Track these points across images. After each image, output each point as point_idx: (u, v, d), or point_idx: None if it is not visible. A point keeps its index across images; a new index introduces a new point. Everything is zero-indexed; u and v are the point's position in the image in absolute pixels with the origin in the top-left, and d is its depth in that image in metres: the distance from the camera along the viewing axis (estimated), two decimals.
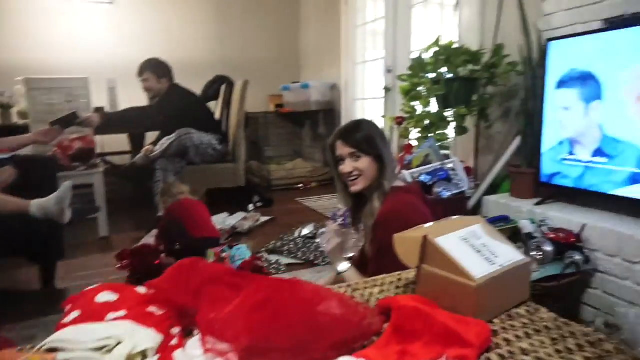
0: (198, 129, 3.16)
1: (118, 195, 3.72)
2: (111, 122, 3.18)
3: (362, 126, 1.47)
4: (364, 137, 1.43)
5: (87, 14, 4.26)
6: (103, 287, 0.80)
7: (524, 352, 0.67)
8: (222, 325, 0.72)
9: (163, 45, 4.41)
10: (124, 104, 3.85)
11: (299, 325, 0.72)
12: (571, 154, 1.78)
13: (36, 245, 1.98)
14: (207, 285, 0.82)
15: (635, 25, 1.57)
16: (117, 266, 2.24)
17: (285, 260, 2.34)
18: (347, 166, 1.45)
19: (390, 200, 1.41)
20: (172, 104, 3.16)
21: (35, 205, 1.89)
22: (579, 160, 1.75)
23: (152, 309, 0.76)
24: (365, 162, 1.43)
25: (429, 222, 1.27)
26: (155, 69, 3.21)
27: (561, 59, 1.81)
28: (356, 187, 1.45)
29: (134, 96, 4.08)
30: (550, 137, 1.87)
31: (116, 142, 4.14)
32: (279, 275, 2.16)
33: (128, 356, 0.63)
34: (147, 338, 0.67)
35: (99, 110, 3.56)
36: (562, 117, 1.81)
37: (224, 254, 2.18)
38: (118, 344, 0.65)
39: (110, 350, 0.64)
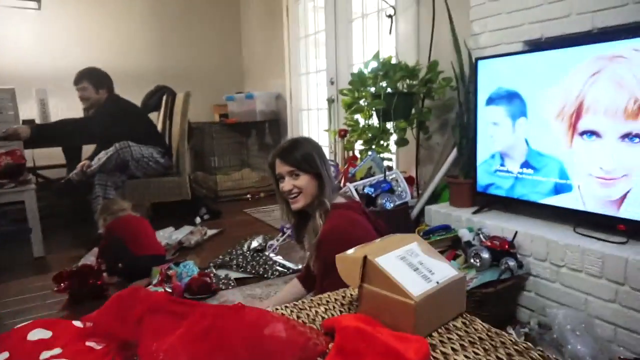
0: (138, 142, 3.06)
1: (53, 211, 3.52)
2: (42, 134, 3.02)
3: (300, 145, 1.49)
4: (302, 155, 1.46)
5: (11, 19, 4.02)
6: (35, 323, 0.76)
7: None
8: (165, 356, 0.71)
9: (97, 54, 4.24)
10: (55, 116, 3.67)
11: (245, 352, 0.72)
12: (502, 165, 1.90)
13: None
14: (149, 315, 0.80)
15: (550, 49, 1.70)
16: (55, 289, 2.13)
17: (234, 275, 2.31)
18: (286, 184, 1.47)
19: (332, 217, 1.44)
20: (111, 115, 3.04)
21: None
22: (509, 172, 1.87)
23: (90, 343, 0.74)
24: (304, 180, 1.46)
25: (372, 237, 1.32)
26: (93, 78, 3.08)
27: (489, 77, 1.93)
28: (297, 204, 1.48)
29: (67, 108, 3.90)
30: (483, 150, 1.99)
31: (50, 156, 3.92)
32: (229, 290, 2.13)
33: None
34: None
35: (28, 122, 3.36)
36: (493, 132, 1.93)
37: (170, 272, 2.12)
38: None
39: None
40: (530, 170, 1.78)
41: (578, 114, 1.58)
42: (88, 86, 3.06)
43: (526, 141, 1.79)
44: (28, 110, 3.49)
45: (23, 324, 0.77)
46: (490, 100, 1.92)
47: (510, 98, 1.82)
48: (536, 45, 1.86)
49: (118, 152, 2.92)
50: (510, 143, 1.85)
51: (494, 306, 1.61)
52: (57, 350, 0.70)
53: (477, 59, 1.98)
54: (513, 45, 1.94)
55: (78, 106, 3.77)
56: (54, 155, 3.92)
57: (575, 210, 1.64)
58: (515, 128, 1.82)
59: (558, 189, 1.68)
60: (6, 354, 0.69)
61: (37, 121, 3.59)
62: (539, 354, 0.73)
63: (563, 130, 1.64)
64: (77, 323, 0.78)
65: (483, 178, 1.99)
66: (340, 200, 1.52)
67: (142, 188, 3.10)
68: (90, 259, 2.45)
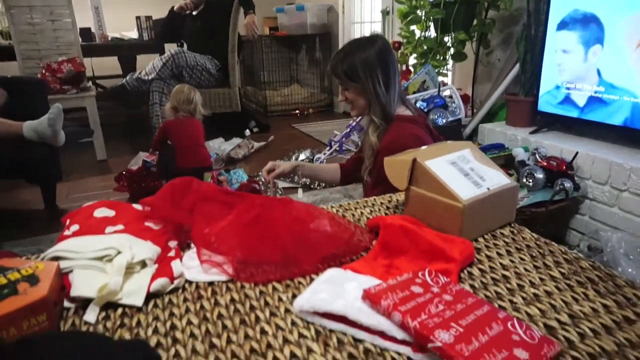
0: (215, 54, 3.17)
1: (114, 119, 3.70)
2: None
3: (347, 55, 1.38)
4: (345, 68, 1.37)
5: None
6: (100, 203, 0.82)
7: (504, 267, 0.70)
8: (217, 240, 0.75)
9: None
10: (110, 25, 3.71)
11: (290, 241, 0.75)
12: (568, 98, 1.75)
13: (33, 167, 1.99)
14: (201, 203, 0.83)
15: None
16: (115, 187, 2.29)
17: (282, 184, 2.37)
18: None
19: (393, 129, 1.38)
20: (217, 14, 3.25)
21: (28, 127, 1.88)
22: (576, 105, 1.73)
23: (149, 224, 0.79)
24: (352, 93, 1.40)
25: None
26: None
27: None
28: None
29: (120, 19, 3.92)
30: (547, 80, 1.83)
31: (106, 66, 4.03)
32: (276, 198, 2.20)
33: (128, 265, 0.65)
34: (146, 249, 0.70)
35: (84, 30, 3.44)
36: (561, 60, 1.76)
37: (221, 177, 2.21)
38: (118, 253, 0.67)
39: (110, 260, 0.66)
40: (598, 104, 1.64)
41: None
42: None
43: (598, 72, 1.62)
44: (85, 20, 3.54)
45: (89, 203, 0.83)
46: (563, 25, 1.73)
47: (586, 22, 1.63)
48: None
49: (173, 57, 2.98)
50: (579, 73, 1.69)
51: (543, 226, 1.57)
52: (119, 227, 0.76)
53: None
54: None
55: (130, 17, 3.79)
56: (110, 65, 4.03)
57: None
58: (588, 57, 1.65)
59: (629, 126, 1.55)
60: (77, 227, 0.76)
61: (93, 30, 3.65)
62: (589, 264, 0.71)
63: None
64: (137, 206, 0.83)
65: (545, 108, 1.85)
66: (405, 112, 1.45)
67: None
68: (139, 162, 2.56)
